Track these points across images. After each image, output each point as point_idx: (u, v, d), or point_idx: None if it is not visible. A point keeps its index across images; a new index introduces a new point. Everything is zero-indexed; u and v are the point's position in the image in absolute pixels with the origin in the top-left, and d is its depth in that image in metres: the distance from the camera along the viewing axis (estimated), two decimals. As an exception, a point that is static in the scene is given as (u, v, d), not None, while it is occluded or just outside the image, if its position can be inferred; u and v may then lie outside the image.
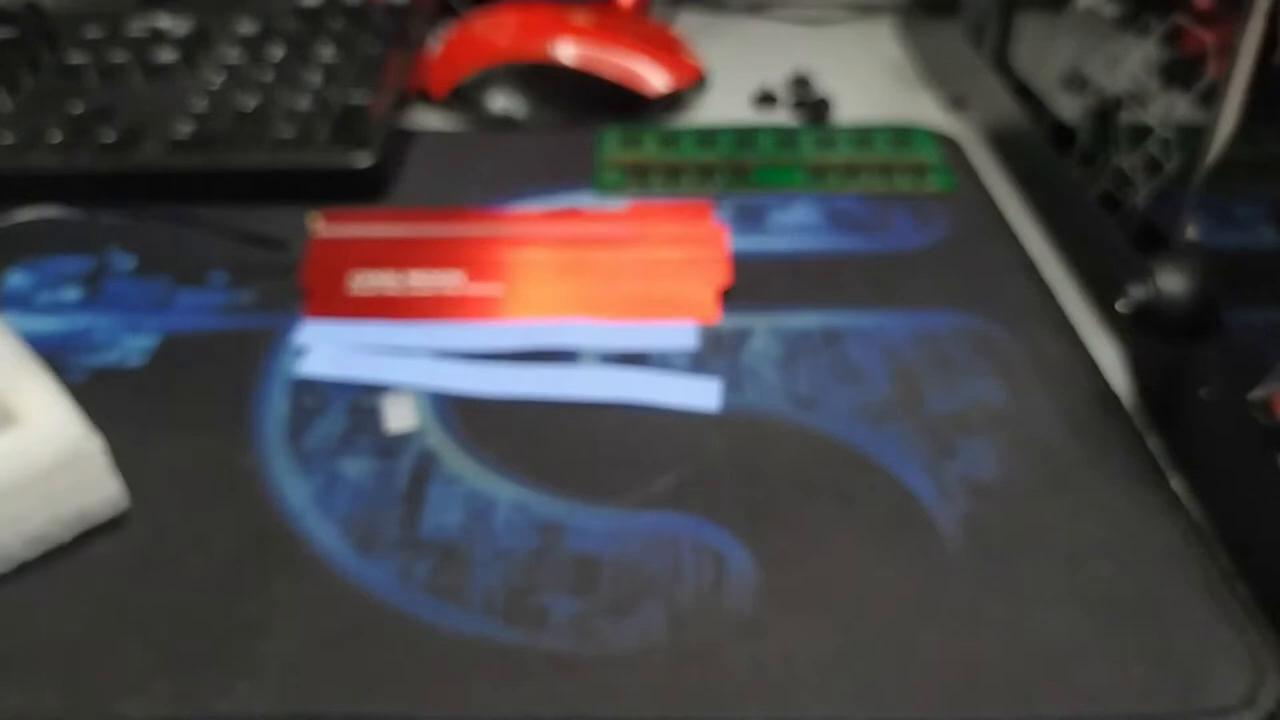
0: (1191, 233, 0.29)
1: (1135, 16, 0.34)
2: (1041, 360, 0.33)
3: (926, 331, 0.35)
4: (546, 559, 0.27)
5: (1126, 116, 0.34)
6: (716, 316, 0.35)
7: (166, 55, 0.47)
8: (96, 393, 0.32)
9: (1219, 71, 0.29)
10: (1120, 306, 0.29)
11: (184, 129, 0.42)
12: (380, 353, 0.34)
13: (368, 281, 0.37)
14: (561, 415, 0.32)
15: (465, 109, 0.50)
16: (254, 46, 0.48)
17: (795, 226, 0.40)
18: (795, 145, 0.45)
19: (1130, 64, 0.34)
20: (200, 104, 0.44)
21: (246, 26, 0.50)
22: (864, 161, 0.44)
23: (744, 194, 0.42)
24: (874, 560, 0.27)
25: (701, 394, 0.32)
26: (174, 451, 0.30)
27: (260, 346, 0.34)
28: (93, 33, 0.49)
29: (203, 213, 0.39)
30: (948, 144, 0.45)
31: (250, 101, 0.44)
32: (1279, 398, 0.25)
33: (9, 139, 0.42)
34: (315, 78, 0.46)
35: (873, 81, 0.54)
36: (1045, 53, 0.41)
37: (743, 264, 0.38)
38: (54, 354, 0.33)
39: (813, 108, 0.50)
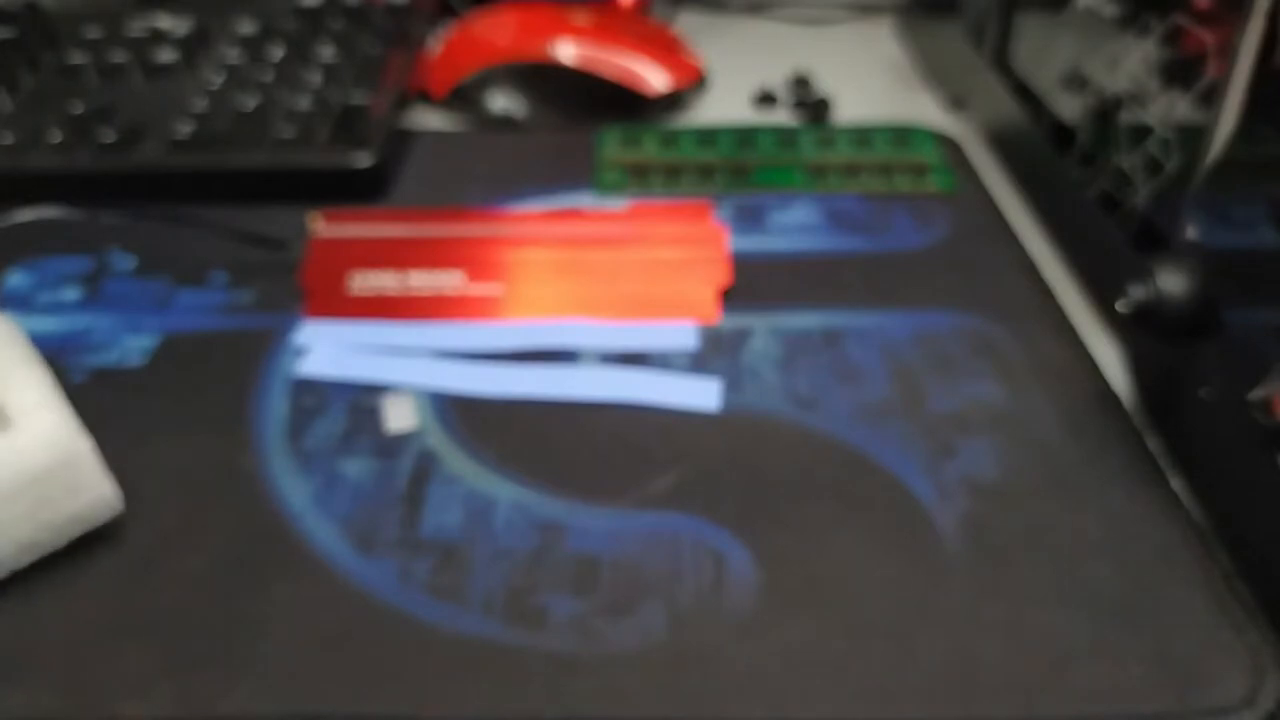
0: (1191, 233, 0.29)
1: (1135, 16, 0.34)
2: (1041, 360, 0.33)
3: (926, 331, 0.35)
4: (546, 559, 0.27)
5: (1126, 116, 0.34)
6: (716, 316, 0.35)
7: (166, 55, 0.47)
8: (96, 393, 0.32)
9: (1219, 71, 0.29)
10: (1120, 306, 0.29)
11: (184, 129, 0.42)
12: (380, 353, 0.34)
13: (368, 281, 0.37)
14: (561, 415, 0.32)
15: (465, 109, 0.50)
16: (254, 46, 0.48)
17: (795, 226, 0.40)
18: (795, 145, 0.45)
19: (1130, 64, 0.34)
20: (200, 104, 0.44)
21: (246, 26, 0.50)
22: (864, 161, 0.44)
23: (744, 194, 0.42)
24: (874, 560, 0.27)
25: (701, 394, 0.32)
26: (174, 452, 0.30)
27: (260, 346, 0.34)
28: (93, 33, 0.49)
29: (203, 213, 0.39)
30: (948, 144, 0.45)
31: (250, 101, 0.44)
32: (1279, 398, 0.25)
33: (9, 139, 0.42)
34: (315, 78, 0.46)
35: (873, 81, 0.54)
36: (1045, 53, 0.41)
37: (743, 264, 0.38)
38: (54, 354, 0.33)
39: (813, 108, 0.50)
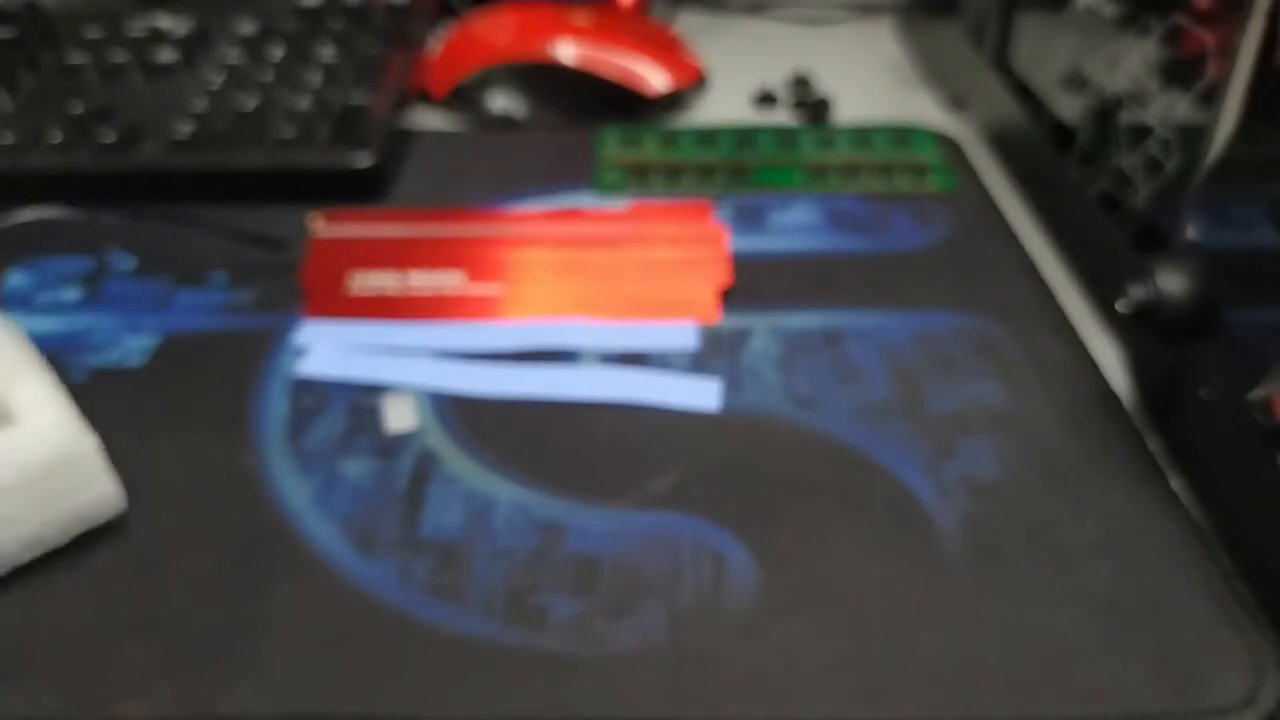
0: (1191, 233, 0.29)
1: (1135, 16, 0.34)
2: (1041, 360, 0.33)
3: (926, 331, 0.35)
4: (546, 559, 0.27)
5: (1126, 116, 0.34)
6: (716, 316, 0.35)
7: (166, 55, 0.47)
8: (96, 393, 0.32)
9: (1219, 71, 0.29)
10: (1120, 306, 0.29)
11: (184, 129, 0.42)
12: (380, 353, 0.34)
13: (368, 281, 0.37)
14: (561, 415, 0.32)
15: (465, 109, 0.50)
16: (254, 46, 0.48)
17: (795, 226, 0.40)
18: (795, 145, 0.45)
19: (1130, 64, 0.34)
20: (200, 104, 0.44)
21: (246, 26, 0.50)
22: (864, 161, 0.44)
23: (744, 194, 0.42)
24: (874, 560, 0.27)
25: (701, 394, 0.32)
26: (174, 452, 0.30)
27: (260, 346, 0.34)
28: (93, 33, 0.49)
29: (203, 213, 0.39)
30: (948, 144, 0.45)
31: (250, 101, 0.44)
32: (1279, 398, 0.25)
33: (9, 139, 0.42)
34: (315, 78, 0.46)
35: (873, 81, 0.54)
36: (1045, 53, 0.41)
37: (743, 264, 0.38)
38: (54, 354, 0.33)
39: (813, 108, 0.50)
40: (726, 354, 0.34)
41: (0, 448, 0.26)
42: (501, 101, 0.49)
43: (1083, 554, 0.27)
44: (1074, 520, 0.28)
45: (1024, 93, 0.43)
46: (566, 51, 0.48)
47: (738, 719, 0.23)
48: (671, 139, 0.46)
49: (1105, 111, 0.35)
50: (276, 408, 0.32)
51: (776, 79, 0.53)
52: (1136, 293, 0.28)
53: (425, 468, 0.30)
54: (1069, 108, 0.38)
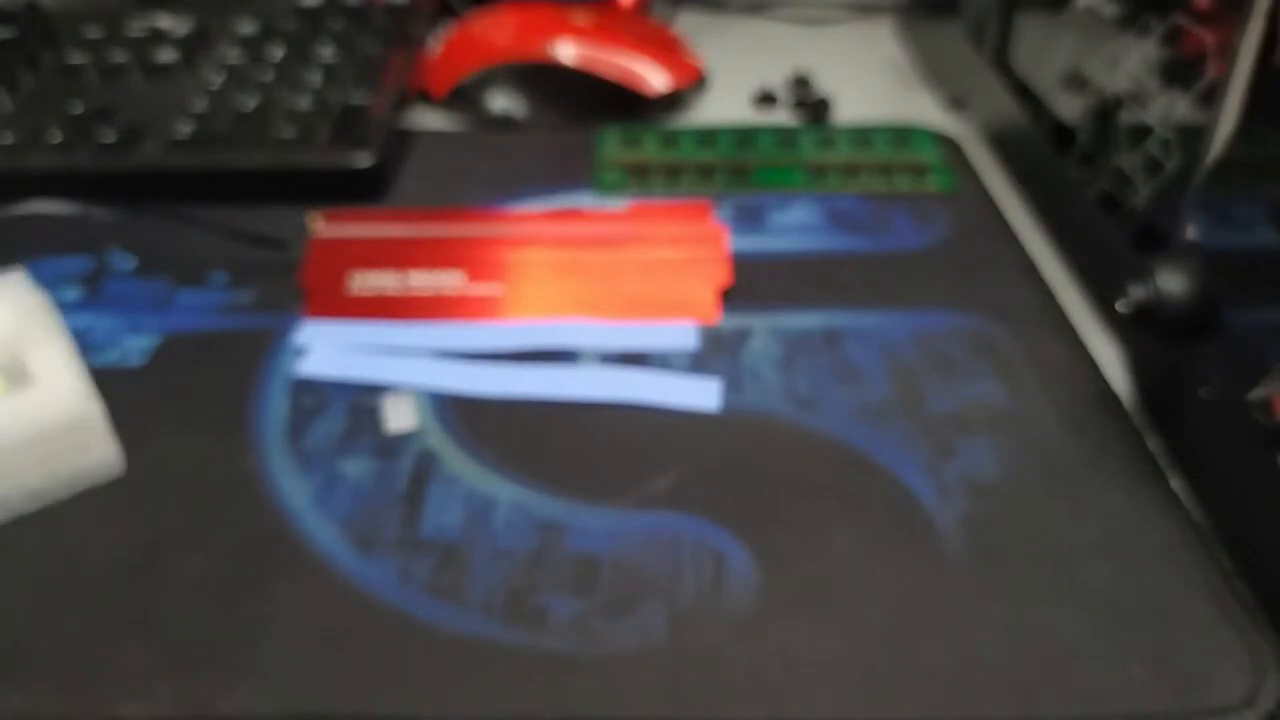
0: (1191, 233, 0.29)
1: (1135, 16, 0.34)
2: (1041, 360, 0.33)
3: (926, 331, 0.35)
4: (546, 559, 0.27)
5: (1126, 116, 0.34)
6: (716, 316, 0.35)
7: (166, 55, 0.47)
8: (96, 392, 0.32)
9: (1219, 71, 0.29)
10: (1120, 306, 0.29)
11: (184, 129, 0.42)
12: (380, 353, 0.34)
13: (368, 281, 0.37)
14: (561, 415, 0.32)
15: (465, 109, 0.50)
16: (254, 46, 0.48)
17: (795, 226, 0.40)
18: (795, 145, 0.45)
19: (1130, 64, 0.34)
20: (200, 104, 0.44)
21: (246, 26, 0.50)
22: (864, 161, 0.44)
23: (744, 194, 0.42)
24: (874, 560, 0.27)
25: (701, 394, 0.32)
26: (174, 452, 0.30)
27: (260, 346, 0.34)
28: (93, 33, 0.49)
29: (203, 213, 0.39)
30: (948, 144, 0.45)
31: (250, 101, 0.44)
32: (1279, 398, 0.25)
33: (9, 139, 0.42)
34: (315, 78, 0.46)
35: (873, 81, 0.54)
36: (1045, 53, 0.41)
37: (743, 264, 0.38)
38: (54, 354, 0.33)
39: (813, 108, 0.50)
40: (726, 354, 0.34)
41: (17, 408, 0.28)
42: (501, 101, 0.49)
43: (1083, 554, 0.27)
44: (1074, 520, 0.28)
45: (1024, 93, 0.43)
46: (566, 51, 0.48)
47: (738, 719, 0.23)
48: (671, 139, 0.46)
49: (1105, 111, 0.35)
50: (276, 408, 0.32)
51: (776, 79, 0.53)
52: (1136, 293, 0.28)
53: (425, 468, 0.30)
54: (1069, 108, 0.38)
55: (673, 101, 0.50)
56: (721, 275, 0.37)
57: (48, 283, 0.37)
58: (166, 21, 0.50)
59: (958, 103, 0.50)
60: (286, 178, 0.41)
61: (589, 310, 0.36)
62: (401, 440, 0.31)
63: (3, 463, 0.27)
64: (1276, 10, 0.27)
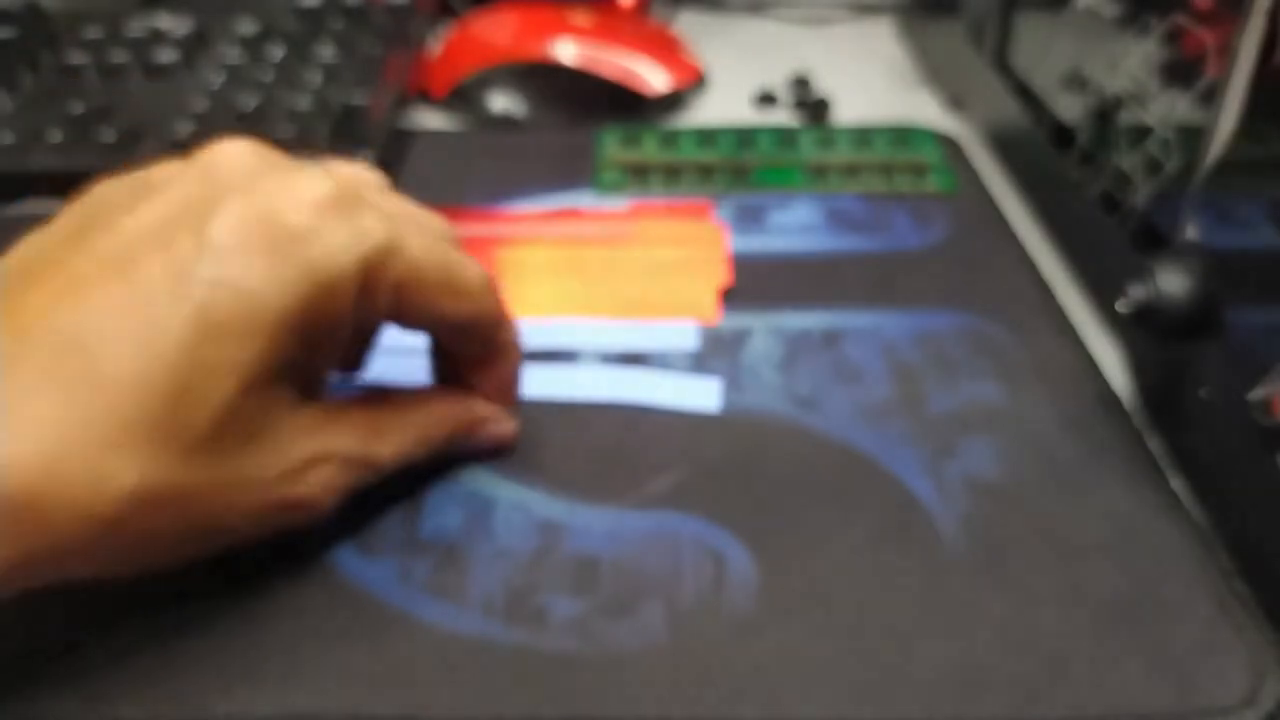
0: (1191, 233, 0.29)
1: (1135, 16, 0.34)
2: (1041, 360, 0.33)
3: (926, 331, 0.35)
4: (546, 559, 0.27)
5: (1126, 116, 0.34)
6: (716, 316, 0.35)
7: (166, 55, 0.47)
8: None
9: (1219, 71, 0.29)
10: (1120, 306, 0.29)
11: (184, 129, 0.42)
12: (381, 353, 0.34)
13: (368, 281, 0.37)
14: (561, 415, 0.31)
15: (465, 109, 0.50)
16: (254, 46, 0.48)
17: (795, 226, 0.40)
18: (795, 145, 0.45)
19: (1130, 64, 0.34)
20: (200, 104, 0.44)
21: (246, 26, 0.50)
22: (864, 161, 0.44)
23: (744, 194, 0.42)
24: (874, 560, 0.27)
25: (701, 394, 0.32)
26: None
27: (260, 346, 0.34)
28: (93, 33, 0.49)
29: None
30: (948, 144, 0.45)
31: (250, 101, 0.44)
32: (1279, 398, 0.25)
33: (9, 139, 0.42)
34: (315, 78, 0.46)
35: (873, 81, 0.54)
36: (1045, 53, 0.41)
37: (743, 264, 0.38)
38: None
39: (813, 108, 0.50)
40: (726, 354, 0.34)
41: None
42: (501, 101, 0.49)
43: (1083, 554, 0.27)
44: (1074, 520, 0.28)
45: (1024, 93, 0.43)
46: (566, 51, 0.48)
47: (737, 719, 0.23)
48: (671, 139, 0.46)
49: (1105, 111, 0.35)
50: (276, 408, 0.32)
51: (776, 79, 0.53)
52: (1136, 293, 0.28)
53: (425, 468, 0.30)
54: (1069, 108, 0.38)
55: (673, 101, 0.50)
56: (721, 275, 0.37)
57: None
58: (166, 21, 0.50)
59: (958, 103, 0.50)
60: (286, 178, 0.41)
61: (589, 310, 0.36)
62: (401, 440, 0.31)
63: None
64: (1276, 10, 0.27)
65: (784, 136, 0.46)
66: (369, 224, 0.25)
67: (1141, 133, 0.33)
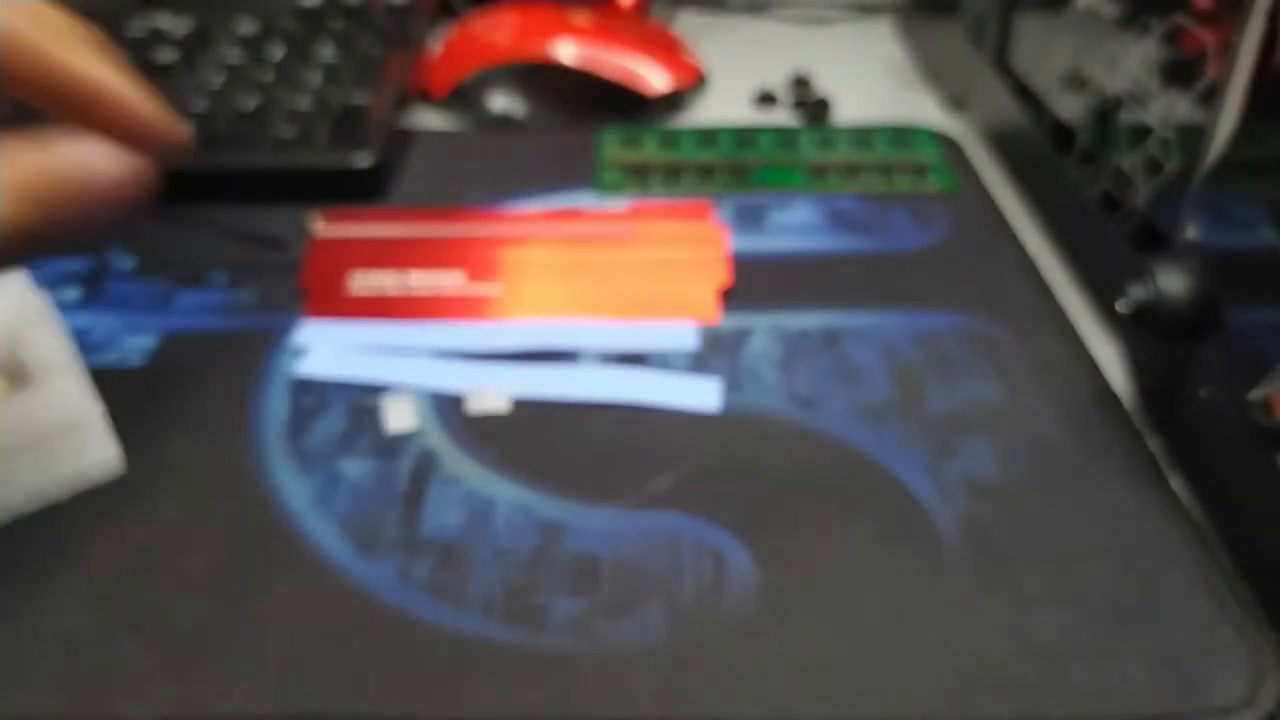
0: (1191, 233, 0.29)
1: (1135, 16, 0.34)
2: (1041, 360, 0.33)
3: (926, 331, 0.35)
4: (546, 559, 0.27)
5: (1126, 116, 0.34)
6: (716, 316, 0.35)
7: (166, 55, 0.47)
8: (96, 392, 0.32)
9: (1219, 71, 0.29)
10: (1120, 306, 0.29)
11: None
12: (380, 353, 0.34)
13: (368, 281, 0.37)
14: (561, 415, 0.32)
15: (465, 109, 0.50)
16: (254, 46, 0.48)
17: (795, 226, 0.40)
18: (795, 145, 0.45)
19: (1130, 64, 0.34)
20: (200, 104, 0.44)
21: (246, 26, 0.50)
22: (864, 161, 0.44)
23: (744, 194, 0.42)
24: (874, 560, 0.27)
25: (701, 394, 0.32)
26: (173, 451, 0.30)
27: (260, 346, 0.34)
28: (93, 33, 0.49)
29: (203, 213, 0.39)
30: (948, 144, 0.45)
31: (250, 101, 0.44)
32: (1279, 398, 0.25)
33: (9, 139, 0.42)
34: (315, 78, 0.46)
35: (873, 81, 0.54)
36: (1045, 53, 0.41)
37: (743, 264, 0.38)
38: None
39: (813, 108, 0.50)
40: (726, 354, 0.34)
41: (16, 410, 0.28)
42: (501, 101, 0.49)
43: (1083, 554, 0.27)
44: (1074, 520, 0.28)
45: (1024, 93, 0.43)
46: (566, 51, 0.48)
47: (737, 719, 0.23)
48: (671, 139, 0.46)
49: (1105, 111, 0.35)
50: (276, 408, 0.32)
51: (776, 79, 0.53)
52: (1136, 293, 0.28)
53: (425, 468, 0.30)
54: (1069, 108, 0.38)
55: (673, 101, 0.50)
56: (721, 275, 0.37)
57: (48, 283, 0.37)
58: (166, 21, 0.50)
59: (958, 103, 0.50)
60: (286, 178, 0.41)
61: (589, 310, 0.36)
62: (401, 440, 0.31)
63: (2, 463, 0.27)
64: (1276, 10, 0.27)
65: (784, 136, 0.46)
66: None
67: (1141, 133, 0.33)
